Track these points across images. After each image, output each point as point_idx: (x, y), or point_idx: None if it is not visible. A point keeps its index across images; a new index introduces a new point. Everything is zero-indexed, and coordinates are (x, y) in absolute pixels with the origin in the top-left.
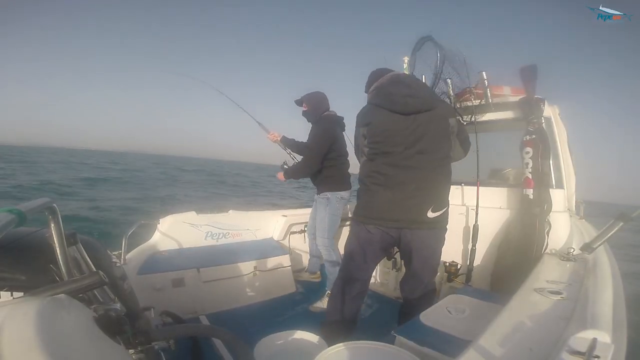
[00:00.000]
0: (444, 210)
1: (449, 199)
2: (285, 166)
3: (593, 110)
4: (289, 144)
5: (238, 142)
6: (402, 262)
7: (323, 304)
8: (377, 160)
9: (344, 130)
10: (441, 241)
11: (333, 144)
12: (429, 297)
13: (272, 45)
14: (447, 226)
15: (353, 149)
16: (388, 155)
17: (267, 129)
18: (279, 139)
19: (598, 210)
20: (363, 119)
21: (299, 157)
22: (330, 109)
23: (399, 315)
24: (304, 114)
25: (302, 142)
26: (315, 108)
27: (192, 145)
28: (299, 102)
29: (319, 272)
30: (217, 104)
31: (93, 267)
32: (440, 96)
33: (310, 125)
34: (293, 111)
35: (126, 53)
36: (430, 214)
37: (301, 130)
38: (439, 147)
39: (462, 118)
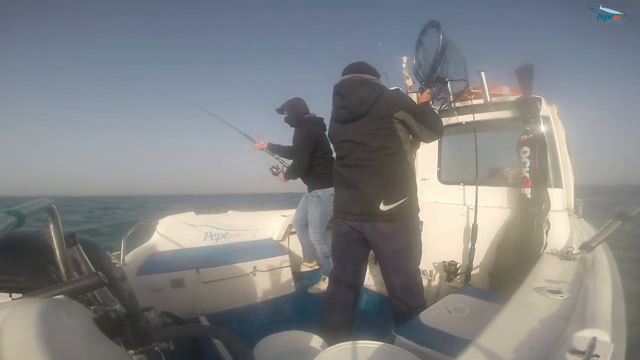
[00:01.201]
0: (399, 202)
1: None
2: (274, 169)
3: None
4: (276, 149)
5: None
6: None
7: (319, 286)
8: (337, 162)
9: (324, 130)
10: (407, 233)
11: (317, 143)
12: (412, 294)
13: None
14: (423, 219)
15: None
16: (343, 158)
17: (253, 139)
18: (265, 146)
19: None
20: (328, 131)
21: (287, 161)
22: (310, 112)
23: (392, 314)
24: (286, 120)
25: (287, 146)
26: (296, 113)
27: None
28: (280, 110)
29: (315, 261)
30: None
31: (92, 268)
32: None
33: (291, 130)
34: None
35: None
36: (382, 207)
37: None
38: (385, 144)
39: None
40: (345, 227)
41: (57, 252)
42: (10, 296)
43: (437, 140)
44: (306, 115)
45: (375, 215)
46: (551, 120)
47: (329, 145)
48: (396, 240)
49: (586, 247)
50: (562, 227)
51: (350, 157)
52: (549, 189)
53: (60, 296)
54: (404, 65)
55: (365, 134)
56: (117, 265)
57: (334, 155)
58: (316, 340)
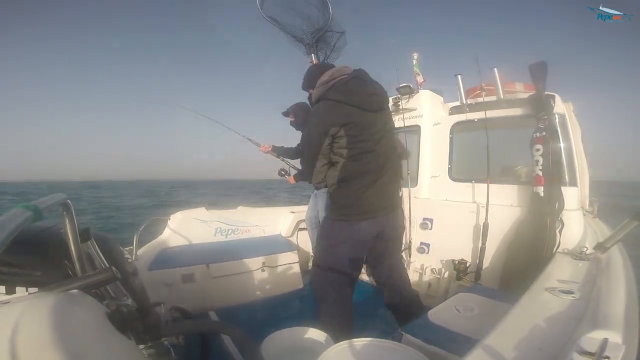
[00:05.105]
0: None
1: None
2: (282, 172)
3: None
4: (281, 151)
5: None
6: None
7: None
8: (362, 159)
9: None
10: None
11: None
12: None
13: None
14: (433, 216)
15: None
16: (371, 153)
17: (258, 143)
18: (270, 149)
19: None
20: (335, 119)
21: (293, 162)
22: None
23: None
24: (292, 124)
25: (290, 147)
26: (303, 118)
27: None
28: (286, 114)
29: None
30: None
31: (106, 262)
32: None
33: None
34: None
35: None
36: (399, 193)
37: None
38: (394, 138)
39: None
40: (373, 228)
41: (72, 247)
42: (27, 290)
43: (448, 137)
44: None
45: (398, 206)
46: (566, 117)
47: None
48: (402, 227)
49: (600, 247)
50: (576, 227)
51: (381, 147)
52: (562, 188)
53: (75, 290)
54: (414, 62)
55: (386, 122)
56: (130, 260)
57: (355, 149)
58: (323, 337)
